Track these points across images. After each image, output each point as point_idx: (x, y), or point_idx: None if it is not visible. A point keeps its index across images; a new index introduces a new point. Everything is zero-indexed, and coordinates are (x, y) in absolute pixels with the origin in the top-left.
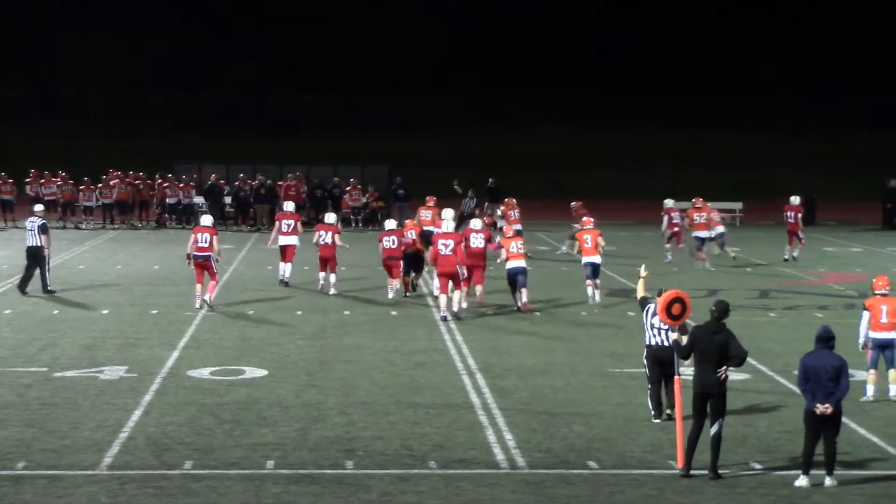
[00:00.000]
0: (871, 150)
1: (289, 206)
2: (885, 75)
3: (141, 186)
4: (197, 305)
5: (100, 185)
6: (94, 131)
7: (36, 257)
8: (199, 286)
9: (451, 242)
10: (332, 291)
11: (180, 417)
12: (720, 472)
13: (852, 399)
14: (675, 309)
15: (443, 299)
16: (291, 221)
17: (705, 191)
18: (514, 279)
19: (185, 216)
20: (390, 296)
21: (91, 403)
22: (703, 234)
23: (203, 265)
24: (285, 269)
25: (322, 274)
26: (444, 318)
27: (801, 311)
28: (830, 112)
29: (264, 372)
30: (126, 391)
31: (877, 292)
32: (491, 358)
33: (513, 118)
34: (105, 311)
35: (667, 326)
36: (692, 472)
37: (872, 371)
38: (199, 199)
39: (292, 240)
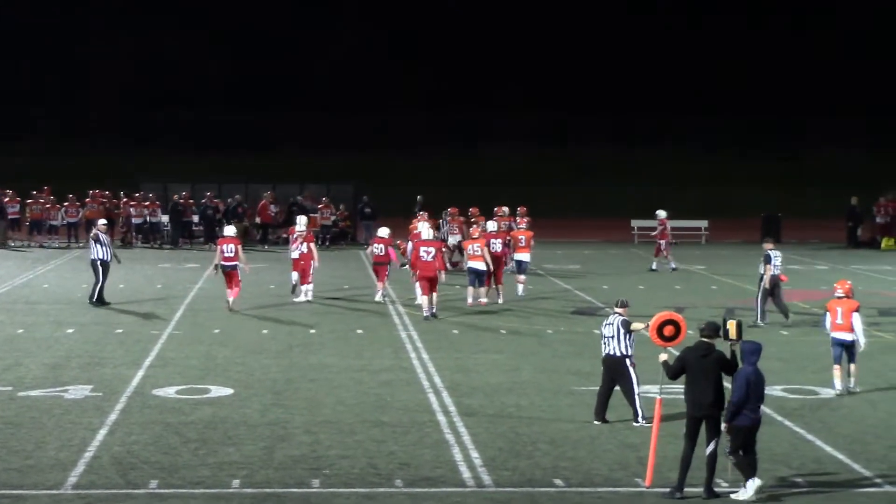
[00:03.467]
0: (834, 167)
1: (302, 220)
2: (850, 94)
3: (108, 205)
4: (230, 310)
5: (66, 203)
6: (48, 149)
7: (107, 269)
8: (228, 291)
9: (432, 250)
10: (304, 298)
11: (146, 436)
12: (715, 489)
13: (817, 417)
14: (668, 331)
15: (425, 301)
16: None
17: (667, 207)
18: (472, 278)
19: (152, 234)
20: (377, 298)
21: (56, 423)
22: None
23: (231, 273)
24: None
25: (295, 276)
26: (427, 318)
27: (767, 329)
28: (790, 130)
29: (230, 391)
30: (91, 410)
31: (836, 294)
32: (457, 376)
33: (472, 136)
34: (70, 330)
35: (611, 334)
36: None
37: (837, 367)
38: (165, 218)
39: (297, 253)
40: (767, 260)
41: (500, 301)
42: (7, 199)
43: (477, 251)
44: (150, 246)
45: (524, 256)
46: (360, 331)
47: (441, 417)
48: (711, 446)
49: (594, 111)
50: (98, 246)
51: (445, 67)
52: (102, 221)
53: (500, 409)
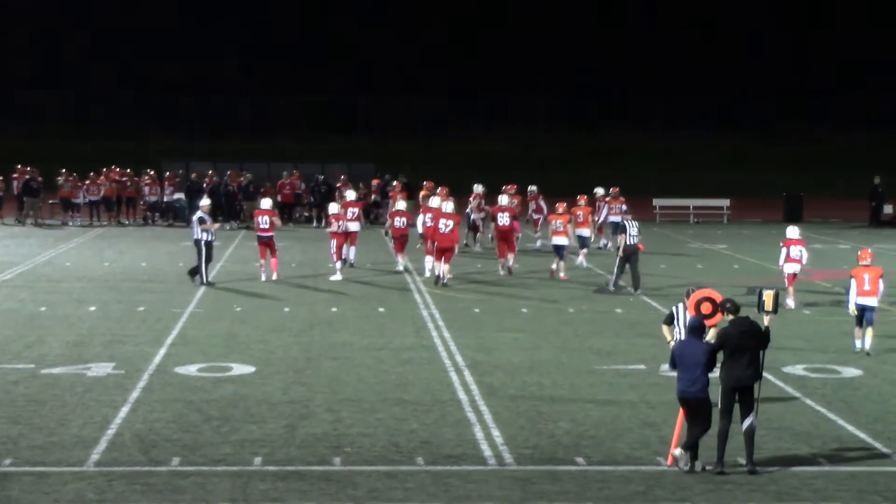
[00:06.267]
0: (857, 148)
1: (350, 195)
2: (868, 74)
3: (128, 183)
4: (263, 279)
5: (87, 182)
6: (79, 131)
7: (197, 248)
8: (262, 261)
9: (451, 223)
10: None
11: (167, 414)
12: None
13: (839, 396)
14: (705, 308)
15: (437, 268)
16: (356, 209)
17: (688, 187)
18: (557, 252)
19: (172, 213)
20: (399, 268)
21: (78, 400)
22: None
23: (266, 243)
24: (349, 251)
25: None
26: (437, 283)
27: (789, 309)
28: (812, 111)
29: (252, 369)
30: (113, 388)
31: (861, 263)
32: (478, 355)
33: (492, 118)
34: (92, 308)
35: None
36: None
37: (858, 329)
38: (179, 195)
39: (355, 226)
40: (623, 230)
41: (502, 273)
42: (41, 179)
43: (559, 227)
44: (171, 224)
45: (584, 231)
46: (381, 309)
47: (462, 396)
48: (750, 420)
49: (616, 94)
50: (201, 227)
51: (466, 49)
52: (205, 202)
53: (521, 387)
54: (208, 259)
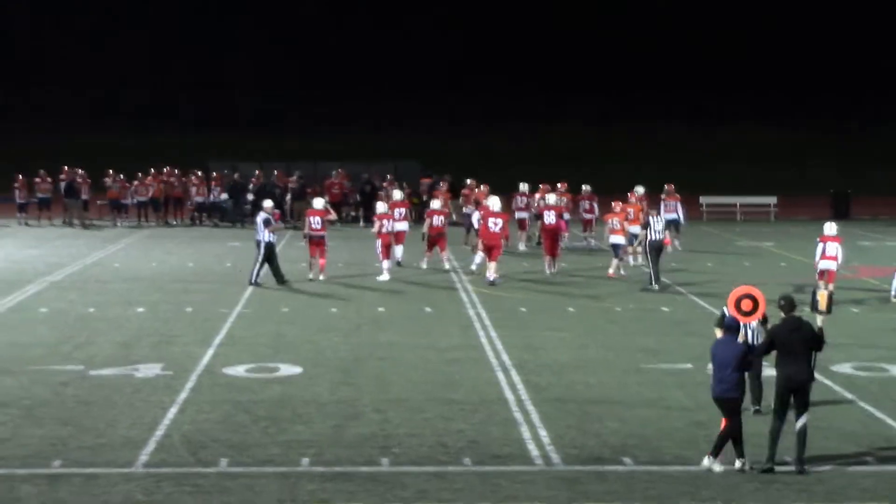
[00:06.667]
0: None
1: (397, 195)
2: None
3: (175, 184)
4: (310, 276)
5: (135, 182)
6: (127, 130)
7: (258, 249)
8: (311, 259)
9: (500, 221)
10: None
11: (215, 415)
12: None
13: (887, 394)
14: (745, 305)
15: (491, 266)
16: (403, 209)
17: (736, 184)
18: (614, 251)
19: (219, 213)
20: (423, 266)
21: (127, 401)
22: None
23: (317, 243)
24: (397, 250)
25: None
26: (491, 283)
27: (836, 306)
28: (860, 107)
29: (299, 369)
30: (161, 389)
31: None
32: (525, 354)
33: (539, 115)
34: (140, 309)
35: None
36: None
37: None
38: (225, 196)
39: (404, 226)
40: (646, 225)
41: (549, 272)
42: (80, 180)
43: (616, 226)
44: (216, 225)
45: (636, 229)
46: (428, 309)
47: (509, 395)
48: (803, 420)
49: (663, 89)
50: (268, 228)
51: (502, 48)
52: (269, 204)
53: (568, 386)
54: (271, 260)
